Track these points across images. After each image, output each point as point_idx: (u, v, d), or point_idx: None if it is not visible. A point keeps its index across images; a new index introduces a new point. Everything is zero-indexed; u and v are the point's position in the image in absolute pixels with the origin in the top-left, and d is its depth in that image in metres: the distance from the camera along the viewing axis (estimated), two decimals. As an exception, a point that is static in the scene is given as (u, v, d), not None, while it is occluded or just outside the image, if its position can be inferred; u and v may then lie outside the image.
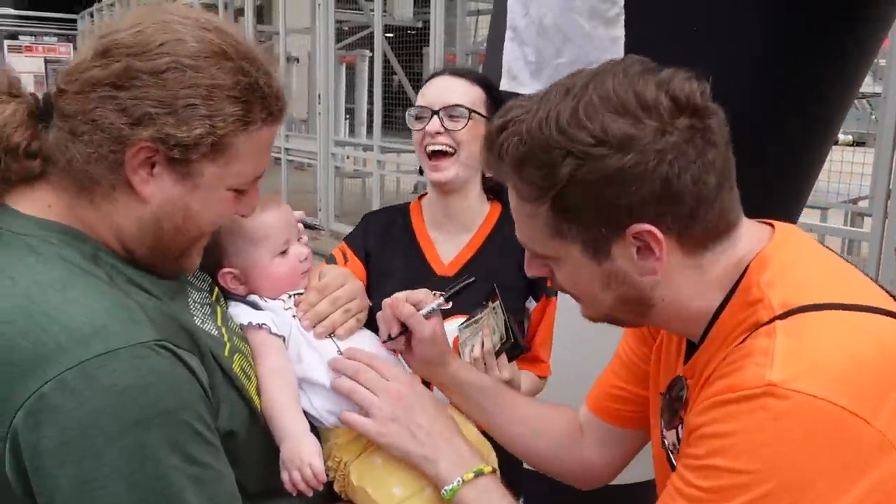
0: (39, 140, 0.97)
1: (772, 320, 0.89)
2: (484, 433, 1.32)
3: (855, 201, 6.20)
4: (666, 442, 1.09)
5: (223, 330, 1.11)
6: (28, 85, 1.01)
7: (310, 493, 1.09)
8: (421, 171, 1.70)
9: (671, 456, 1.08)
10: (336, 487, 1.18)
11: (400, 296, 1.25)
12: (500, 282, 1.41)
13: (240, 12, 11.12)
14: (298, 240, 1.26)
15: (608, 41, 1.95)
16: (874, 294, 0.94)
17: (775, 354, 0.85)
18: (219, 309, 1.16)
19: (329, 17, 8.25)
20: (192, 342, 0.97)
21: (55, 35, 15.94)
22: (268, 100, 1.00)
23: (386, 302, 1.25)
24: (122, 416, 0.84)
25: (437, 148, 1.61)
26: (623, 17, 1.93)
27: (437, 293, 1.29)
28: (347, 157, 9.15)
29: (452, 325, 1.46)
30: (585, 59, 2.01)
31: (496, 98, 1.68)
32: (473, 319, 1.44)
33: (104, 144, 0.93)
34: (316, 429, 1.18)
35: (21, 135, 0.96)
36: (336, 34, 8.98)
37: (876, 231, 4.62)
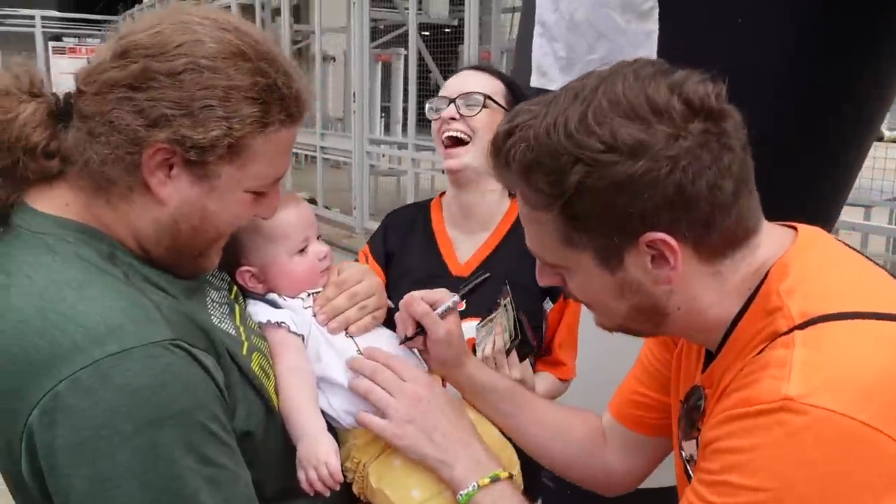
0: (58, 140, 0.97)
1: (790, 330, 0.85)
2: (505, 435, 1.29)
3: (900, 199, 6.05)
4: (684, 453, 1.06)
5: (241, 329, 1.10)
6: (72, 86, 1.00)
7: (327, 493, 1.08)
8: None
9: (688, 467, 1.04)
10: (355, 489, 1.17)
11: (415, 294, 1.23)
12: (517, 282, 1.39)
13: (276, 12, 11.24)
14: (318, 238, 1.25)
15: (642, 35, 1.91)
16: None
17: (793, 367, 0.81)
18: (237, 307, 1.15)
19: (364, 16, 8.27)
20: (209, 341, 0.97)
21: (98, 37, 16.25)
22: (286, 101, 0.99)
23: (401, 301, 1.24)
24: (137, 415, 0.83)
25: (451, 133, 1.60)
26: (657, 10, 1.89)
27: (454, 293, 1.27)
28: (383, 156, 9.17)
29: (470, 325, 1.44)
30: (618, 54, 1.98)
31: (518, 96, 1.65)
32: (489, 319, 1.42)
33: (121, 146, 0.93)
34: (335, 430, 1.17)
35: (40, 134, 0.96)
36: (372, 33, 9.01)
37: (921, 229, 4.48)
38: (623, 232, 0.89)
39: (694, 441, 1.02)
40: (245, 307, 1.19)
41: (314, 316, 1.20)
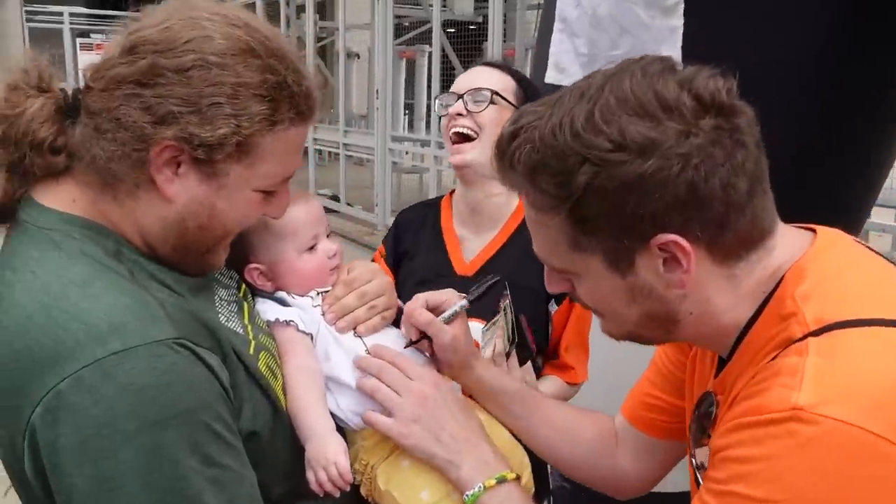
0: (66, 136, 0.96)
1: (805, 337, 0.82)
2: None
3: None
4: (695, 460, 1.03)
5: (249, 327, 1.09)
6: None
7: (336, 494, 1.06)
8: None
9: (699, 476, 1.02)
10: (363, 491, 1.15)
11: (420, 299, 1.21)
12: (520, 283, 1.36)
13: (301, 8, 11.28)
14: (328, 236, 1.23)
15: (666, 31, 1.87)
16: None
17: (805, 375, 0.77)
18: (245, 305, 1.14)
19: (388, 13, 8.27)
20: (214, 340, 0.95)
21: (126, 33, 16.37)
22: (296, 99, 0.97)
23: (405, 308, 1.22)
24: (140, 415, 0.82)
25: (458, 130, 1.59)
26: (682, 5, 1.85)
27: (461, 295, 1.24)
28: (406, 153, 9.17)
29: (476, 327, 1.41)
30: (642, 50, 1.93)
31: (530, 93, 1.63)
32: (492, 322, 1.39)
33: (128, 143, 0.92)
34: (343, 431, 1.15)
35: (47, 130, 0.95)
36: (397, 30, 9.01)
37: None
38: (633, 234, 0.86)
39: (705, 448, 0.99)
40: (254, 305, 1.17)
41: (323, 315, 1.18)
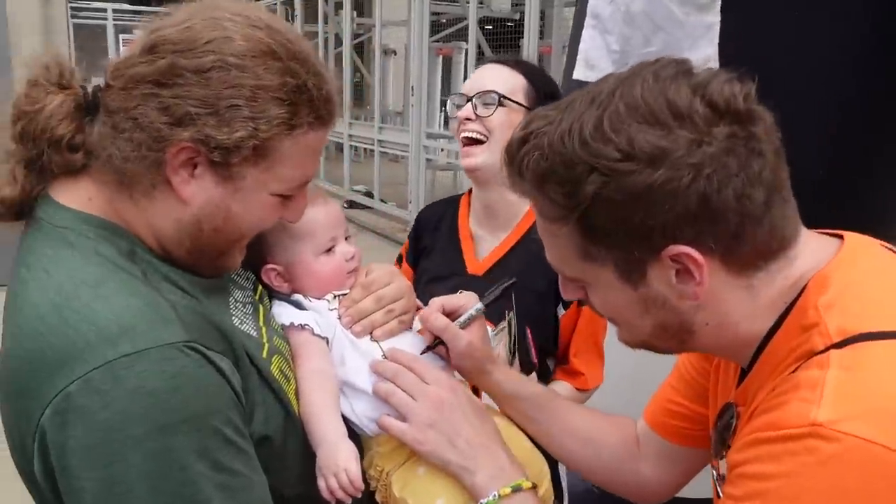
0: (84, 134, 0.95)
1: (827, 349, 0.78)
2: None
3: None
4: (716, 472, 1.00)
5: (263, 330, 1.07)
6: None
7: (348, 501, 1.04)
8: None
9: (719, 488, 0.98)
10: (378, 498, 1.14)
11: (436, 302, 1.19)
12: (528, 286, 1.34)
13: (339, 5, 11.32)
14: (346, 238, 1.21)
15: (702, 28, 1.83)
16: None
17: (825, 389, 0.74)
18: (261, 308, 1.12)
19: (424, 10, 8.27)
20: (226, 343, 0.94)
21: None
22: (316, 103, 0.96)
23: (420, 313, 1.20)
24: (149, 419, 0.81)
25: (468, 135, 1.59)
26: (719, 1, 1.80)
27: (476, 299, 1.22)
28: (441, 150, 9.15)
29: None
30: (676, 48, 1.91)
31: (541, 88, 1.62)
32: (500, 328, 1.37)
33: (144, 143, 0.91)
34: (358, 436, 1.13)
35: (66, 127, 0.94)
36: (433, 26, 9.00)
37: None
38: (644, 245, 0.83)
39: (726, 461, 0.95)
40: (270, 307, 1.16)
41: (339, 318, 1.16)
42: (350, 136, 10.33)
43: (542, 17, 7.46)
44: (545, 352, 1.60)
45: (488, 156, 1.56)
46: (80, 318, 0.84)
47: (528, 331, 1.35)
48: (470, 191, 1.75)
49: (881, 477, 0.70)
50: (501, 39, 9.52)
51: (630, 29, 1.94)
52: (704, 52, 1.77)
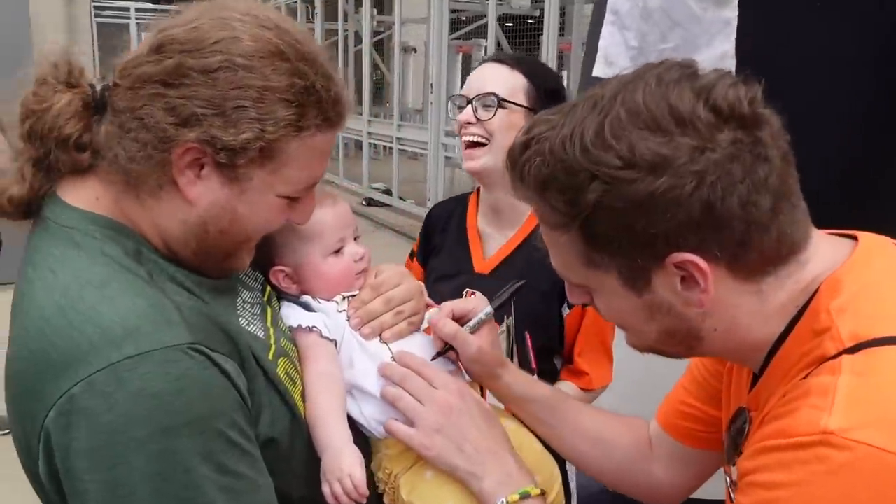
0: (92, 133, 0.95)
1: (839, 354, 0.76)
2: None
3: None
4: (729, 478, 0.99)
5: (271, 331, 1.06)
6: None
7: None
8: None
9: (732, 493, 0.96)
10: (386, 501, 1.13)
11: (446, 307, 1.18)
12: (532, 285, 1.32)
13: (359, 2, 11.33)
14: (355, 239, 1.19)
15: (720, 23, 1.80)
16: None
17: (836, 396, 0.72)
18: (269, 309, 1.11)
19: (443, 7, 8.25)
20: (232, 345, 0.93)
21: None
22: (324, 105, 0.94)
23: (430, 319, 1.19)
24: (152, 421, 0.81)
25: (469, 138, 1.59)
26: (737, -3, 1.77)
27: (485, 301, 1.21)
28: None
29: None
30: (693, 44, 1.88)
31: (541, 85, 1.60)
32: (499, 333, 1.35)
33: (149, 143, 0.90)
34: (367, 438, 1.12)
35: (73, 126, 0.94)
36: (453, 24, 8.97)
37: None
38: (647, 253, 0.81)
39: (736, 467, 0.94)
40: (279, 308, 1.15)
41: (348, 320, 1.15)
42: (369, 133, 10.33)
43: (562, 14, 7.41)
44: (551, 351, 1.60)
45: (490, 158, 1.56)
46: (85, 320, 0.84)
47: (528, 336, 1.33)
48: (479, 188, 1.74)
49: (894, 487, 0.68)
50: (521, 37, 9.48)
51: (647, 25, 1.92)
52: (721, 48, 1.74)
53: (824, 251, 0.86)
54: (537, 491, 1.05)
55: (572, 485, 1.64)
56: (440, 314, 1.18)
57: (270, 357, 1.01)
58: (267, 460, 0.93)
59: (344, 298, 1.17)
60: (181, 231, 0.95)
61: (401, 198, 9.50)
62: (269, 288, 1.17)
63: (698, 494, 1.26)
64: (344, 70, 11.52)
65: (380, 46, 13.48)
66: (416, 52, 13.43)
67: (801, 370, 0.80)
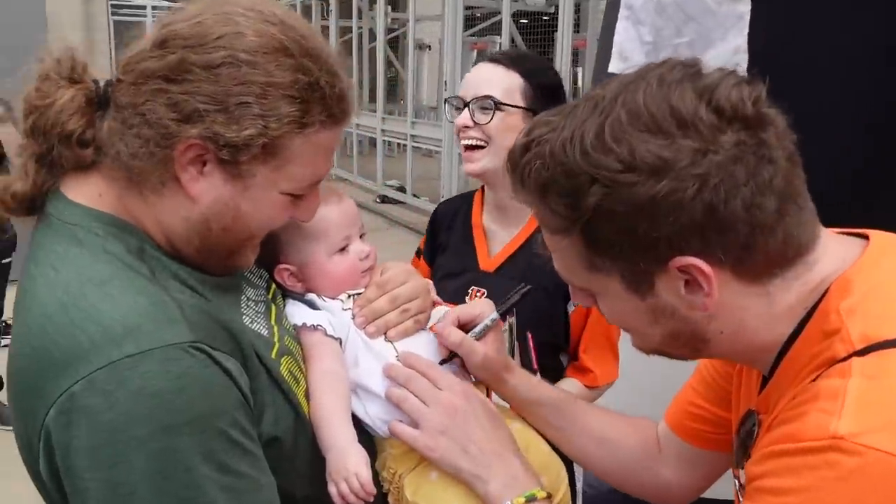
0: (94, 129, 0.94)
1: (849, 356, 0.74)
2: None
3: None
4: (737, 482, 0.97)
5: (275, 329, 1.06)
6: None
7: None
8: None
9: (741, 497, 0.95)
10: (391, 500, 1.11)
11: (452, 314, 1.17)
12: (536, 283, 1.31)
13: (373, 0, 11.33)
14: (361, 237, 1.18)
15: (733, 17, 1.78)
16: None
17: (846, 399, 0.71)
18: (273, 307, 1.11)
19: (458, 4, 8.24)
20: (235, 343, 0.92)
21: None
22: (328, 101, 0.93)
23: (436, 327, 1.17)
24: (153, 420, 0.80)
25: (467, 142, 1.58)
26: (750, -10, 1.74)
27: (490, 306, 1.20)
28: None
29: None
30: (706, 38, 1.86)
31: (539, 85, 1.59)
32: (503, 329, 1.34)
33: (152, 140, 0.89)
34: (371, 437, 1.11)
35: (76, 122, 0.93)
36: (469, 20, 8.96)
37: None
38: (649, 257, 0.80)
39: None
40: (283, 306, 1.14)
41: (353, 318, 1.14)
42: (383, 130, 10.35)
43: (577, 10, 7.38)
44: (557, 349, 1.60)
45: (489, 160, 1.56)
46: (86, 318, 0.84)
47: (530, 336, 1.32)
48: (483, 186, 1.73)
49: None
50: (536, 33, 9.45)
51: (662, 19, 1.90)
52: (734, 43, 1.72)
53: (834, 251, 0.84)
54: (543, 493, 1.04)
55: (578, 485, 1.63)
56: (445, 321, 1.16)
57: (273, 355, 1.00)
58: (270, 459, 0.92)
59: (349, 296, 1.16)
60: (184, 228, 0.94)
61: (415, 195, 9.50)
62: (273, 285, 1.16)
63: (707, 494, 1.25)
64: (358, 67, 11.53)
65: (394, 44, 13.48)
66: (430, 49, 13.42)
67: (811, 372, 0.79)
